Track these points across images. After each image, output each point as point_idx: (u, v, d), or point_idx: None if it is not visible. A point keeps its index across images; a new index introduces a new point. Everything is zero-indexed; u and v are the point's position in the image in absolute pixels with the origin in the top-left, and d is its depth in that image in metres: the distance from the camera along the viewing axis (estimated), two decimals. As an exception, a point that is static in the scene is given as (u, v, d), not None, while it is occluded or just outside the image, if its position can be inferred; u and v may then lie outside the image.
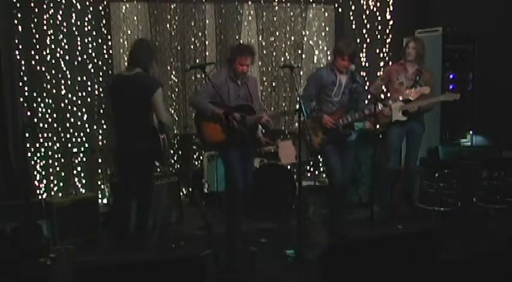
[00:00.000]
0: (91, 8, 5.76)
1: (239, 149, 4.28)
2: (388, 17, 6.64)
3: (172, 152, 6.28)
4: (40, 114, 5.65)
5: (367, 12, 6.62)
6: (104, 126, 5.88)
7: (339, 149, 4.45)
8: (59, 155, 5.75)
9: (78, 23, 5.71)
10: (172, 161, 6.29)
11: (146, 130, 3.87)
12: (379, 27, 6.63)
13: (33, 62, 5.58)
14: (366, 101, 6.42)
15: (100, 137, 5.86)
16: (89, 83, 5.80)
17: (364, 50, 6.65)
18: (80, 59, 5.74)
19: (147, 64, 3.88)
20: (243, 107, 4.30)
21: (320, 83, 4.45)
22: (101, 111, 5.87)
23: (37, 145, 5.65)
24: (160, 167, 5.06)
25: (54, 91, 5.69)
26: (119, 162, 4.15)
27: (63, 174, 5.76)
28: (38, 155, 5.66)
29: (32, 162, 5.63)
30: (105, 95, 5.76)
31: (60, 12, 5.64)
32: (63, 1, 5.64)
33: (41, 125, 5.65)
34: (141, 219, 4.01)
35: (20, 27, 5.49)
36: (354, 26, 6.62)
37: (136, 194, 4.00)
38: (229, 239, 4.32)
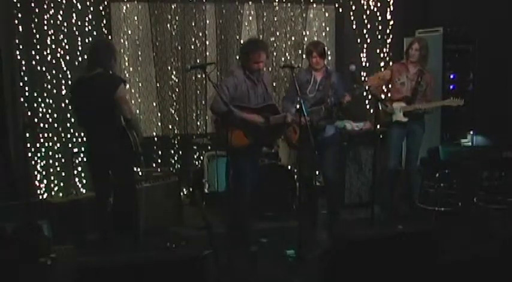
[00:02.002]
0: (91, 8, 5.76)
1: (253, 151, 4.28)
2: (389, 17, 6.64)
3: (172, 151, 6.28)
4: (40, 114, 5.65)
5: (368, 12, 6.62)
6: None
7: (318, 150, 4.46)
8: (60, 155, 5.75)
9: (79, 23, 5.71)
10: (173, 161, 6.29)
11: (115, 130, 3.86)
12: (380, 27, 6.63)
13: (33, 62, 5.58)
14: (367, 101, 6.49)
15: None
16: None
17: (364, 50, 6.65)
18: (80, 59, 5.72)
19: (107, 64, 3.88)
20: (266, 108, 4.27)
21: (298, 83, 4.52)
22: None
23: (37, 145, 5.64)
24: (139, 168, 5.03)
25: (54, 91, 5.69)
26: (93, 165, 4.13)
27: (63, 174, 5.76)
28: (39, 155, 5.66)
29: (33, 162, 5.63)
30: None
31: (61, 12, 5.64)
32: (64, 1, 5.64)
33: (42, 125, 5.65)
34: (128, 220, 4.00)
35: (20, 27, 5.49)
36: (354, 26, 6.62)
37: (117, 195, 3.98)
38: (233, 238, 4.32)
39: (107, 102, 3.80)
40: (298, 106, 4.44)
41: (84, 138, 5.23)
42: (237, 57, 6.29)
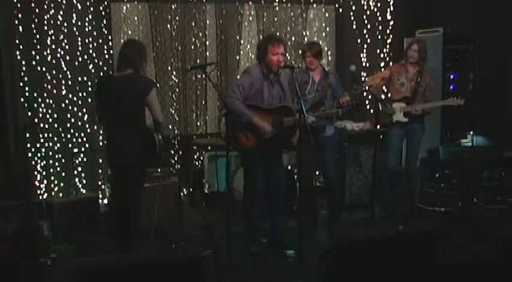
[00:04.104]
0: (92, 8, 5.76)
1: (268, 153, 4.25)
2: (389, 17, 6.63)
3: (172, 152, 6.29)
4: (40, 115, 5.65)
5: (368, 12, 6.62)
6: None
7: (318, 151, 4.46)
8: (60, 155, 5.75)
9: (79, 23, 5.71)
10: (173, 161, 6.29)
11: (140, 131, 3.86)
12: (380, 28, 6.63)
13: (33, 62, 5.58)
14: (367, 101, 6.49)
15: (100, 138, 5.85)
16: (89, 84, 5.80)
17: (364, 50, 6.65)
18: (80, 59, 5.74)
19: (138, 65, 3.86)
20: (280, 109, 4.21)
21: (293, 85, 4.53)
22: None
23: (38, 145, 5.65)
24: (154, 168, 5.04)
25: (54, 91, 5.69)
26: (112, 163, 4.11)
27: (63, 174, 5.76)
28: (39, 155, 5.66)
29: (33, 163, 5.63)
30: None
31: (61, 12, 5.64)
32: (64, 1, 5.64)
33: (42, 125, 5.65)
34: (127, 221, 3.99)
35: (20, 28, 5.50)
36: (354, 26, 6.62)
37: (124, 196, 3.96)
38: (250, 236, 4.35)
39: (137, 103, 3.78)
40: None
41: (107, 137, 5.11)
42: (237, 58, 6.32)
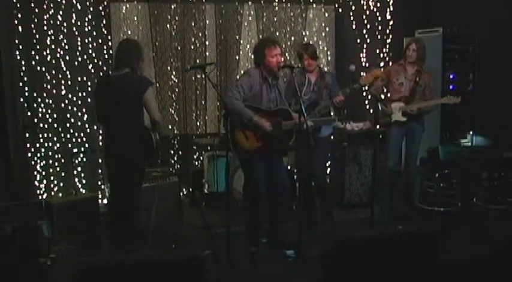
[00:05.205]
0: (91, 8, 5.76)
1: (267, 155, 4.25)
2: (389, 17, 6.64)
3: (172, 152, 6.29)
4: (40, 115, 5.66)
5: (367, 12, 6.62)
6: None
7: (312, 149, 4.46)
8: (59, 155, 5.75)
9: (79, 23, 5.71)
10: (173, 161, 6.29)
11: (138, 130, 3.85)
12: (379, 28, 6.64)
13: (33, 62, 5.58)
14: (367, 101, 6.49)
15: (100, 137, 5.85)
16: (89, 83, 5.80)
17: (364, 50, 6.65)
18: (80, 59, 5.74)
19: (134, 64, 3.86)
20: (279, 112, 4.20)
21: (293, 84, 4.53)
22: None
23: (37, 145, 5.65)
24: (151, 167, 5.02)
25: (54, 91, 5.69)
26: (110, 164, 4.10)
27: (63, 174, 5.76)
28: (38, 155, 5.67)
29: (32, 163, 5.63)
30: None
31: (61, 12, 5.64)
32: (64, 1, 5.64)
33: (41, 125, 5.66)
34: (127, 221, 3.98)
35: (20, 28, 5.50)
36: (354, 26, 6.62)
37: (123, 197, 3.95)
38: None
39: (134, 103, 3.78)
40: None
41: (105, 137, 5.11)
42: (236, 58, 6.31)
